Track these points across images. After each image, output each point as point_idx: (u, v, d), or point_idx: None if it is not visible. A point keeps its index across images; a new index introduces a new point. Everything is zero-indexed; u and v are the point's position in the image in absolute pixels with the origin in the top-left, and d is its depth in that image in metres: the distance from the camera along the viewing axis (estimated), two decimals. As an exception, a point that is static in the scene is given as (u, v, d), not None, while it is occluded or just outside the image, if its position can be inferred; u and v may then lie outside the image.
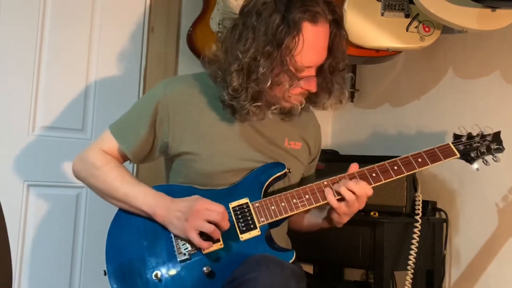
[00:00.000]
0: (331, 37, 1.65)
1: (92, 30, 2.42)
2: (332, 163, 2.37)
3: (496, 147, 1.77)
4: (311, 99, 1.72)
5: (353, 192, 1.62)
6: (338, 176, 1.69)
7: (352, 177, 1.67)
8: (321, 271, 2.67)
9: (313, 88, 1.65)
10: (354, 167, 1.69)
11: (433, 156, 1.72)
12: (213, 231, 1.56)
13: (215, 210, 1.57)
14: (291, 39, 1.57)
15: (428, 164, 1.71)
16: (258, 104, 1.62)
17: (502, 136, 1.80)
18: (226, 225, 1.58)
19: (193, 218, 1.57)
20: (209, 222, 1.56)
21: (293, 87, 1.63)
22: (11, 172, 2.24)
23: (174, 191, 1.68)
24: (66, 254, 2.35)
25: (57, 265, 2.32)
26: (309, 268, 2.64)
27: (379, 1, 2.29)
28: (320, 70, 1.68)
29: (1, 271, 1.56)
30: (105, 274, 1.62)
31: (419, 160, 1.71)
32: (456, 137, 1.78)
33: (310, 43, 1.59)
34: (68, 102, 2.36)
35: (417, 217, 2.18)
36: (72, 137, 2.36)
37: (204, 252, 1.60)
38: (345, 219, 1.70)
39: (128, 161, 1.79)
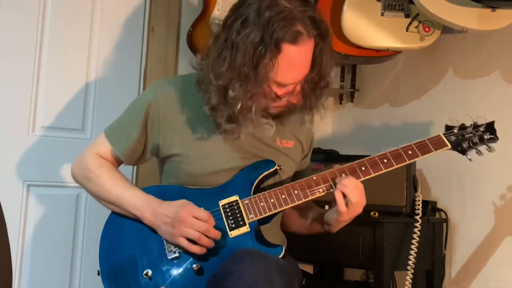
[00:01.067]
0: (316, 52, 1.60)
1: (92, 30, 2.42)
2: (332, 163, 2.38)
3: (489, 137, 1.75)
4: (297, 108, 1.69)
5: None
6: (327, 171, 1.69)
7: (341, 171, 1.68)
8: (321, 271, 2.67)
9: (297, 101, 1.64)
10: None
11: (424, 147, 1.71)
12: (199, 238, 1.57)
13: (200, 218, 1.57)
14: (269, 61, 1.53)
15: (419, 156, 1.70)
16: (233, 126, 1.61)
17: (501, 135, 1.79)
18: (212, 234, 1.58)
19: (179, 225, 1.58)
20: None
21: (276, 103, 1.62)
22: (11, 172, 2.24)
23: (166, 191, 1.70)
24: (66, 254, 2.35)
25: (57, 265, 2.32)
26: (309, 268, 2.64)
27: (379, 1, 2.29)
28: (303, 83, 1.63)
29: (1, 271, 1.56)
30: (98, 274, 1.64)
31: (409, 152, 1.71)
32: (448, 128, 1.78)
33: (291, 63, 1.55)
34: (68, 102, 2.36)
35: (417, 217, 2.18)
36: (72, 137, 2.36)
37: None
38: (343, 222, 1.70)
39: (123, 164, 1.80)
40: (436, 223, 2.33)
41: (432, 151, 1.71)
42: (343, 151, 2.68)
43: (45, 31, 2.31)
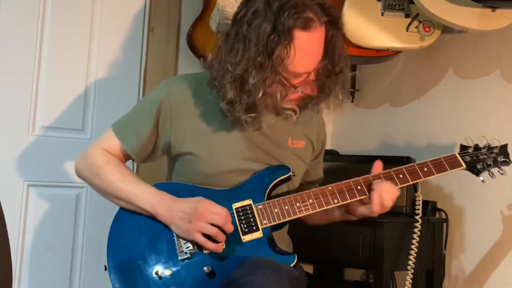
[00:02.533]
0: (327, 38, 1.61)
1: (92, 29, 2.42)
2: (332, 163, 2.38)
3: (503, 159, 1.77)
4: (312, 99, 1.70)
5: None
6: (342, 182, 1.69)
7: (357, 184, 1.68)
8: (321, 271, 2.67)
9: (312, 92, 1.64)
10: (378, 165, 1.70)
11: (439, 166, 1.73)
12: (216, 234, 1.56)
13: (218, 213, 1.57)
14: (283, 48, 1.53)
15: (434, 174, 1.72)
16: (253, 115, 1.61)
17: (501, 135, 1.80)
18: (229, 228, 1.58)
19: (196, 220, 1.56)
20: (213, 225, 1.56)
21: (291, 93, 1.62)
22: (11, 172, 2.24)
23: (177, 189, 1.68)
24: (66, 254, 2.35)
25: (57, 265, 2.32)
26: (309, 268, 2.64)
27: (379, 1, 2.29)
28: (317, 72, 1.64)
29: (1, 271, 1.56)
30: (105, 269, 1.62)
31: (425, 169, 1.72)
32: (463, 148, 1.79)
33: (304, 50, 1.56)
34: (68, 102, 2.36)
35: (417, 217, 2.18)
36: (72, 137, 2.36)
37: (205, 252, 1.60)
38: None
39: (131, 160, 1.79)
40: (436, 223, 2.33)
41: (448, 170, 1.73)
42: (343, 151, 2.68)
43: (45, 31, 2.31)
